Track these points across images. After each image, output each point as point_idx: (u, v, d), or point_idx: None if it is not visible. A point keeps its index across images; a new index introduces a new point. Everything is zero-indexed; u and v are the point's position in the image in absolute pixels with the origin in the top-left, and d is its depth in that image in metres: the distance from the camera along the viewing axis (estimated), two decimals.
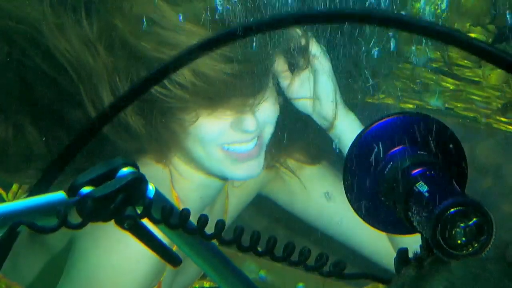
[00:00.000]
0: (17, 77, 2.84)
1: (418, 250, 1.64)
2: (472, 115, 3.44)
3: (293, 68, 2.91)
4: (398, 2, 3.26)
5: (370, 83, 3.07)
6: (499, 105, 3.37)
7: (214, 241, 1.55)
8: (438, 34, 1.76)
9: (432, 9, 3.64)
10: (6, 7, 2.60)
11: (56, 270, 2.92)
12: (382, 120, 1.50)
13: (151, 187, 1.38)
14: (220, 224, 1.39)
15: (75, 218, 1.29)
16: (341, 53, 3.03)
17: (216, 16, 2.66)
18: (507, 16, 3.69)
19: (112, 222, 1.43)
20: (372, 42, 3.14)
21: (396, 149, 1.47)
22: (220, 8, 2.79)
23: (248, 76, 2.61)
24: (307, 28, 2.91)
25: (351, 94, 3.13)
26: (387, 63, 3.22)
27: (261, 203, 3.40)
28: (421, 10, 3.62)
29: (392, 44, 3.14)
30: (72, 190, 1.30)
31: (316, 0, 3.31)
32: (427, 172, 1.40)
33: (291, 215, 3.33)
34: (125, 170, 1.35)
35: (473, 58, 3.49)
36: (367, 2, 3.09)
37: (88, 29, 2.63)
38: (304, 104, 2.95)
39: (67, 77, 2.65)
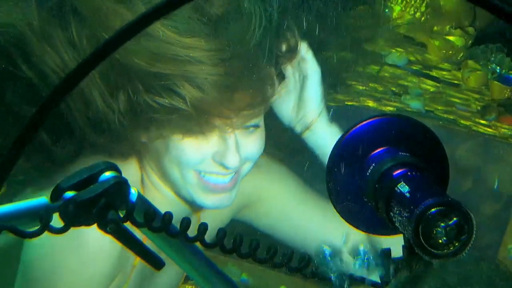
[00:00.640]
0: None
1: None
2: (451, 118, 3.49)
3: (281, 76, 2.88)
4: (377, 5, 3.33)
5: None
6: (478, 108, 3.45)
7: (197, 244, 1.65)
8: None
9: (412, 12, 3.76)
10: None
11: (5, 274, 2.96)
12: (364, 123, 1.51)
13: (133, 191, 1.37)
14: (202, 227, 1.39)
15: (55, 223, 1.29)
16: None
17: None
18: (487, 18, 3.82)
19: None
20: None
21: (377, 150, 1.50)
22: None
23: (245, 86, 2.58)
24: (298, 32, 2.93)
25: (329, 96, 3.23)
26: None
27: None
28: (400, 13, 3.78)
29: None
30: (55, 195, 1.30)
31: None
32: (409, 173, 1.42)
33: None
34: (108, 174, 1.33)
35: (452, 60, 3.65)
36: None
37: (78, 43, 2.61)
38: (287, 113, 2.95)
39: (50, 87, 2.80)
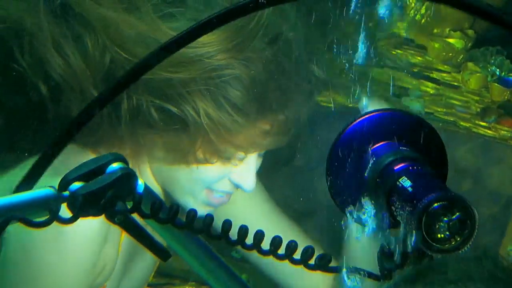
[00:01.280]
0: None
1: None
2: (451, 119, 3.49)
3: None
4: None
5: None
6: (478, 110, 3.42)
7: (203, 236, 1.57)
8: None
9: (412, 14, 3.73)
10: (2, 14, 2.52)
11: None
12: (362, 118, 1.63)
13: (140, 182, 1.39)
14: (208, 219, 1.44)
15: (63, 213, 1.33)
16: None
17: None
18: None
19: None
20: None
21: (378, 145, 1.59)
22: None
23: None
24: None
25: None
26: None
27: None
28: (401, 15, 3.86)
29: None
30: (63, 185, 1.30)
31: None
32: (410, 168, 1.51)
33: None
34: (115, 165, 1.34)
35: (452, 62, 3.56)
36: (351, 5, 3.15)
37: (91, 52, 2.52)
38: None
39: (54, 91, 2.64)
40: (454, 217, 1.42)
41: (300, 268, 1.80)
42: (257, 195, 3.14)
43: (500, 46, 3.57)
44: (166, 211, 1.46)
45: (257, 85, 2.50)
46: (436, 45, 3.76)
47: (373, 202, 1.65)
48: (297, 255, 1.48)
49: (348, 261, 2.59)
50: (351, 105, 3.20)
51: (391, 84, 3.50)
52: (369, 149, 1.64)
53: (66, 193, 1.30)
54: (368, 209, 1.66)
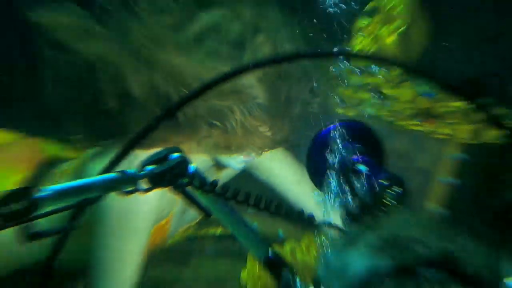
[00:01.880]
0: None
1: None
2: (393, 120, 3.81)
3: None
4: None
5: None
6: (410, 113, 3.76)
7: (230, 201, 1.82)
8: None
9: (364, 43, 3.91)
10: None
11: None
12: (330, 126, 1.96)
13: (192, 165, 1.62)
14: (235, 190, 1.65)
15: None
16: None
17: None
18: None
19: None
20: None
21: (343, 143, 1.93)
22: None
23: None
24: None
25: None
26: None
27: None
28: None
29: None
30: (141, 166, 1.55)
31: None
32: (363, 157, 1.89)
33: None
34: (176, 154, 1.59)
35: (395, 81, 3.77)
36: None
37: (161, 84, 2.75)
38: None
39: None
40: (395, 190, 1.74)
41: None
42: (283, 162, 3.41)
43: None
44: (209, 184, 1.66)
45: (272, 109, 2.79)
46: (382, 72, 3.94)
47: (338, 180, 1.93)
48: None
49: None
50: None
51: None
52: (335, 145, 1.96)
53: (143, 172, 1.53)
54: (334, 185, 1.94)
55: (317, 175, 2.03)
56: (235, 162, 2.96)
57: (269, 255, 1.79)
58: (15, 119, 3.53)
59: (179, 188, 1.61)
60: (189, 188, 1.63)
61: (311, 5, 3.14)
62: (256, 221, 2.13)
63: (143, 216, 2.82)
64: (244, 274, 3.30)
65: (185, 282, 3.30)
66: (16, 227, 1.32)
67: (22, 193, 1.34)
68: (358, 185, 1.88)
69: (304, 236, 3.43)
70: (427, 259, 1.24)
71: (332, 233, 1.86)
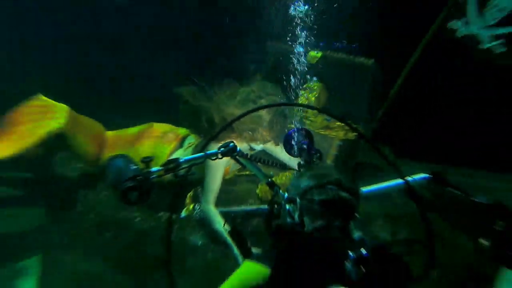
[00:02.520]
0: None
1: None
2: (314, 129, 4.28)
3: None
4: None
5: None
6: (320, 126, 4.29)
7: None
8: None
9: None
10: None
11: None
12: (291, 129, 2.55)
13: (238, 148, 2.25)
14: (252, 156, 2.33)
15: None
16: None
17: None
18: None
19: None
20: None
21: (302, 141, 2.49)
22: None
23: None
24: None
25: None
26: None
27: None
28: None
29: None
30: (218, 148, 2.23)
31: None
32: (304, 141, 2.47)
33: None
34: (231, 144, 2.25)
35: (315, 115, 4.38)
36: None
37: (213, 118, 3.72)
38: None
39: None
40: (317, 154, 2.43)
41: None
42: None
43: None
44: (245, 155, 2.30)
45: (270, 127, 3.63)
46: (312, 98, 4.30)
47: (295, 150, 2.56)
48: None
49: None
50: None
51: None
52: (294, 141, 2.56)
53: (220, 150, 2.22)
54: (295, 153, 2.59)
55: (288, 149, 2.62)
56: (257, 146, 3.74)
57: (269, 180, 2.29)
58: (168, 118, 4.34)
59: (233, 157, 2.31)
60: (237, 157, 2.31)
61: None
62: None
63: (220, 165, 3.62)
64: (258, 190, 4.13)
65: (233, 192, 4.11)
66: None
67: (174, 160, 2.12)
68: (303, 153, 2.48)
69: (282, 173, 4.18)
70: (329, 182, 1.82)
71: (294, 172, 2.54)
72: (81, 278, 3.98)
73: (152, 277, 3.70)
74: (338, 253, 1.48)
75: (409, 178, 2.01)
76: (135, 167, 1.99)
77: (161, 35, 6.51)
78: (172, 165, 2.04)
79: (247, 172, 4.13)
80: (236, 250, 3.21)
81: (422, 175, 2.07)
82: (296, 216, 1.78)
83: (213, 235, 3.49)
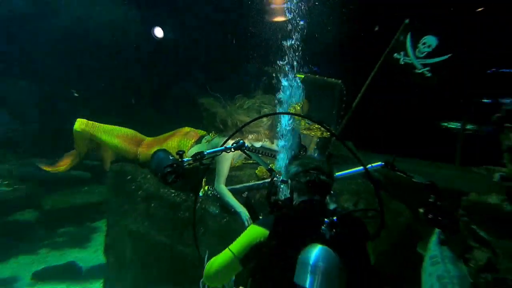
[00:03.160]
0: None
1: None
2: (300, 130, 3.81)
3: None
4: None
5: None
6: (304, 128, 4.03)
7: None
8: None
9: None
10: None
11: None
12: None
13: (246, 144, 2.19)
14: (255, 149, 2.41)
15: None
16: None
17: None
18: None
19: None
20: None
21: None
22: None
23: None
24: None
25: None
26: None
27: None
28: None
29: None
30: (231, 144, 2.16)
31: None
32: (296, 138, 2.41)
33: None
34: (241, 141, 2.19)
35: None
36: None
37: (226, 120, 3.58)
38: None
39: None
40: (302, 148, 2.40)
41: None
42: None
43: None
44: (249, 148, 2.21)
45: (270, 128, 3.51)
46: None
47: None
48: None
49: None
50: None
51: None
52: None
53: (232, 146, 2.16)
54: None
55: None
56: (259, 144, 3.58)
57: (268, 167, 2.32)
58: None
59: (242, 150, 2.28)
60: (246, 151, 2.27)
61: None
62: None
63: (229, 157, 3.51)
64: (257, 171, 3.83)
65: (240, 176, 3.88)
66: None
67: (200, 153, 2.08)
68: (295, 146, 2.48)
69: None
70: (311, 168, 1.80)
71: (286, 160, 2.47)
72: (132, 235, 4.01)
73: (183, 235, 3.69)
74: (316, 219, 1.52)
75: (368, 166, 2.03)
76: (172, 157, 1.99)
77: (188, 62, 6.55)
78: (199, 156, 2.03)
79: (251, 161, 3.95)
80: (243, 216, 3.21)
81: (378, 163, 2.10)
82: (288, 193, 1.81)
83: (225, 206, 3.48)
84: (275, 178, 1.98)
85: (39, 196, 5.49)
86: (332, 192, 1.77)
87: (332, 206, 1.70)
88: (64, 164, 4.15)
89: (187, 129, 4.12)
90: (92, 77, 5.86)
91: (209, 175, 3.65)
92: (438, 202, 1.76)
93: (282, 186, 1.86)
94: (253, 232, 1.63)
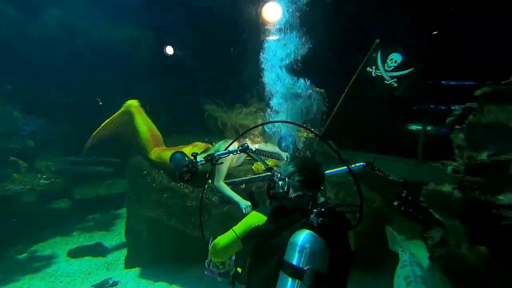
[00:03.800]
0: None
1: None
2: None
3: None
4: None
5: None
6: None
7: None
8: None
9: None
10: None
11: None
12: (283, 135, 2.39)
13: (248, 146, 2.05)
14: (254, 151, 2.08)
15: None
16: None
17: None
18: None
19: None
20: None
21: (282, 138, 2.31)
22: None
23: None
24: None
25: None
26: None
27: None
28: None
29: None
30: (237, 147, 2.01)
31: None
32: (286, 140, 2.27)
33: None
34: (245, 144, 2.04)
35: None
36: None
37: (226, 124, 3.30)
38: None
39: None
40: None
41: None
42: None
43: None
44: (250, 149, 2.06)
45: (262, 133, 3.31)
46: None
47: (284, 147, 2.36)
48: None
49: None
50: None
51: None
52: (283, 140, 2.42)
53: (237, 149, 2.02)
54: (283, 148, 2.37)
55: (280, 147, 2.50)
56: (255, 146, 3.43)
57: (268, 166, 2.19)
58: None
59: (246, 152, 2.13)
60: (249, 152, 2.12)
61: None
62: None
63: (228, 158, 3.39)
64: (253, 167, 3.81)
65: (238, 171, 3.80)
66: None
67: (210, 155, 1.98)
68: (290, 150, 2.37)
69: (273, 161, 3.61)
70: (305, 168, 1.77)
71: (282, 160, 2.42)
72: (148, 221, 3.98)
73: (190, 220, 3.63)
74: (307, 209, 1.50)
75: (352, 166, 1.99)
76: (188, 159, 1.92)
77: (196, 75, 6.55)
78: (210, 157, 1.97)
79: (248, 158, 3.87)
80: (241, 204, 3.21)
81: (360, 163, 2.05)
82: (285, 188, 1.78)
83: (225, 198, 3.43)
84: (273, 175, 1.90)
85: (72, 188, 5.46)
86: (322, 188, 1.74)
87: (321, 200, 1.68)
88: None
89: (197, 143, 4.04)
90: (110, 88, 5.80)
91: (211, 173, 3.62)
92: (409, 197, 1.74)
93: (280, 182, 1.80)
94: (254, 218, 1.61)
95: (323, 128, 4.09)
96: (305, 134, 3.85)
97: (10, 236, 4.44)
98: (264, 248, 1.46)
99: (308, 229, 1.39)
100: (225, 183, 3.44)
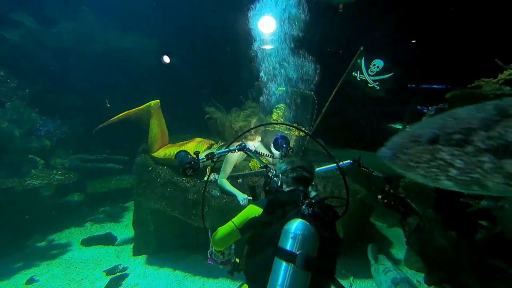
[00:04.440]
0: None
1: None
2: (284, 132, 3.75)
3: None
4: None
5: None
6: (285, 129, 3.72)
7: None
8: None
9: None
10: None
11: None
12: (279, 135, 2.30)
13: (246, 145, 1.98)
14: (251, 150, 1.99)
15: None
16: None
17: None
18: None
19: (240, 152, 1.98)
20: None
21: (280, 138, 2.25)
22: None
23: None
24: None
25: None
26: None
27: None
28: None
29: None
30: (237, 146, 1.93)
31: None
32: (286, 145, 2.23)
33: None
34: (243, 143, 1.98)
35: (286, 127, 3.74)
36: None
37: (227, 125, 3.10)
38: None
39: None
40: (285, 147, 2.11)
41: None
42: None
43: None
44: (248, 149, 1.97)
45: (258, 133, 3.11)
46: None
47: (279, 146, 2.25)
48: None
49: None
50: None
51: None
52: (279, 140, 2.35)
53: (236, 147, 1.93)
54: (278, 147, 2.26)
55: (275, 146, 2.44)
56: (252, 145, 3.26)
57: (264, 164, 2.11)
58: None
59: (244, 151, 2.08)
60: (247, 151, 2.05)
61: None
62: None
63: (234, 158, 3.25)
64: (250, 164, 3.72)
65: (237, 166, 3.60)
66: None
67: (212, 153, 1.90)
68: (284, 149, 2.28)
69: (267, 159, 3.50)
70: (297, 166, 1.71)
71: (279, 160, 2.25)
72: (153, 213, 3.91)
73: (192, 211, 3.54)
74: (298, 202, 1.51)
75: (340, 163, 1.95)
76: (190, 156, 1.86)
77: (197, 79, 6.50)
78: (210, 155, 1.91)
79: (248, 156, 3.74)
80: (239, 197, 3.14)
81: (348, 161, 2.01)
82: (279, 184, 1.76)
83: (226, 193, 3.36)
84: (269, 172, 1.88)
85: (84, 183, 5.42)
86: (313, 183, 1.74)
87: (312, 194, 1.67)
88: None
89: (199, 139, 3.88)
90: (119, 93, 5.77)
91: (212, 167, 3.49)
92: (392, 191, 1.74)
93: (275, 179, 1.78)
94: (251, 209, 1.59)
95: (313, 127, 4.04)
96: (296, 133, 3.82)
97: (31, 227, 4.43)
98: (260, 237, 1.45)
99: (300, 218, 1.39)
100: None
